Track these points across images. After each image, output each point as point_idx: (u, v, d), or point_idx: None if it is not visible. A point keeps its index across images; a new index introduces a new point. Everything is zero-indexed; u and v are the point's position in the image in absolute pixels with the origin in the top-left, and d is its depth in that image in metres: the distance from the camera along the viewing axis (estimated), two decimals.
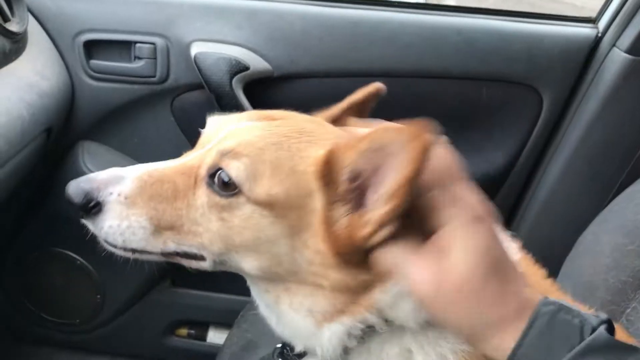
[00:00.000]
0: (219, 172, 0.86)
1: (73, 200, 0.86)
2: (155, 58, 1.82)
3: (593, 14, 1.84)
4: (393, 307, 0.85)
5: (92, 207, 0.86)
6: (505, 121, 1.87)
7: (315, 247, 0.84)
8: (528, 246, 1.92)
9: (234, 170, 0.84)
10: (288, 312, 0.90)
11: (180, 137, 1.96)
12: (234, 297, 2.10)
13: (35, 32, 1.76)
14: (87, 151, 1.94)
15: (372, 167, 0.79)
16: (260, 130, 0.88)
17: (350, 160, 0.81)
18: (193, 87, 1.87)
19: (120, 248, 0.88)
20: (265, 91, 1.85)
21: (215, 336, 2.19)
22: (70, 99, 1.85)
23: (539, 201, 1.91)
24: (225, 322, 2.03)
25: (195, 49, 1.78)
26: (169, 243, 0.88)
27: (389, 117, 1.85)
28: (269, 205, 0.84)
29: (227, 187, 0.85)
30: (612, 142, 1.80)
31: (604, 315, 0.77)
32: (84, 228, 2.07)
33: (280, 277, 0.89)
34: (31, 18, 1.74)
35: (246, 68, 1.78)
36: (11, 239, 2.09)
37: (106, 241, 0.89)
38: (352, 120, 1.06)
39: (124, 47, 1.84)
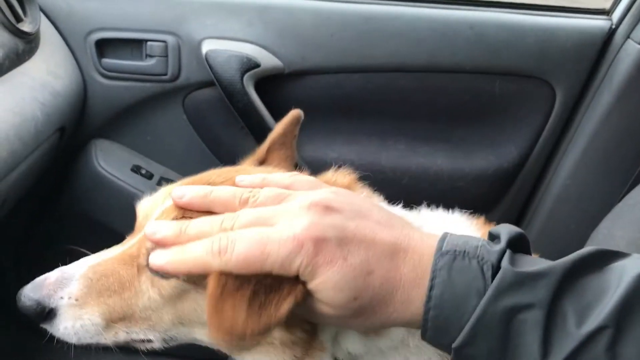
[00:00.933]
0: None
1: (28, 312, 0.89)
2: (166, 56, 1.83)
3: (607, 5, 1.82)
4: (339, 346, 0.89)
5: (47, 314, 0.90)
6: (517, 115, 1.86)
7: None
8: (541, 240, 1.92)
9: None
10: None
11: (192, 135, 1.96)
12: None
13: (47, 32, 1.77)
14: (100, 149, 1.95)
15: None
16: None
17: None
18: (205, 85, 1.87)
19: (76, 344, 0.91)
20: (276, 88, 1.86)
21: None
22: (82, 98, 1.86)
23: (552, 195, 1.89)
24: None
25: (207, 47, 1.79)
26: (120, 333, 0.91)
27: (403, 113, 1.85)
28: (200, 281, 0.86)
29: None
30: (626, 135, 1.79)
31: (503, 242, 0.75)
32: (96, 226, 2.08)
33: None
34: (43, 17, 1.75)
35: (257, 65, 1.78)
36: (27, 236, 2.10)
37: (63, 340, 0.92)
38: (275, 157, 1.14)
39: (135, 46, 1.85)
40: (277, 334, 0.86)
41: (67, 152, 1.93)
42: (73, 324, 0.89)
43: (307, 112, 1.91)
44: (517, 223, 1.97)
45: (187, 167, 2.01)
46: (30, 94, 1.55)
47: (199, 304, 0.88)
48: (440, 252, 0.74)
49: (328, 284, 0.73)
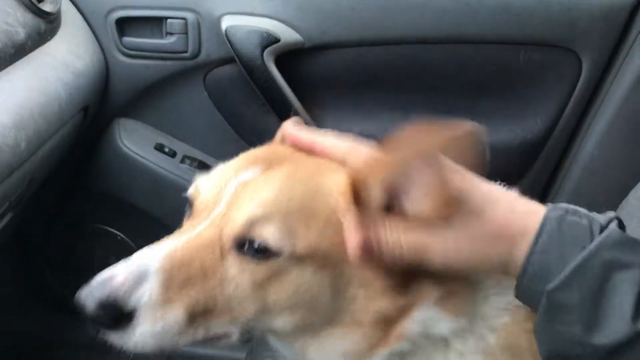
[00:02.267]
0: (250, 242, 0.80)
1: (98, 318, 0.75)
2: (186, 33, 1.82)
3: None
4: (422, 332, 0.86)
5: (122, 319, 0.75)
6: (543, 86, 1.83)
7: (359, 281, 0.83)
8: None
9: (269, 236, 0.79)
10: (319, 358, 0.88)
11: (214, 112, 1.96)
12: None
13: (68, 12, 1.77)
14: (124, 128, 1.96)
15: (397, 186, 0.80)
16: (270, 182, 0.84)
17: (375, 183, 0.80)
18: (225, 62, 1.86)
19: (151, 352, 0.79)
20: (296, 63, 1.84)
21: None
22: (105, 77, 1.87)
23: (579, 167, 1.86)
24: None
25: (226, 23, 1.78)
26: (199, 330, 0.81)
27: (426, 85, 1.83)
28: (310, 256, 0.81)
29: (262, 253, 0.80)
30: None
31: (612, 213, 0.79)
32: (121, 204, 2.10)
33: (312, 326, 0.86)
34: None
35: (277, 40, 1.77)
36: (54, 216, 2.14)
37: (137, 351, 0.79)
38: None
39: (155, 24, 1.84)
40: (381, 303, 0.83)
41: (91, 132, 1.95)
42: (153, 326, 0.77)
43: (328, 87, 1.91)
44: (543, 195, 1.94)
45: (210, 145, 2.04)
46: (53, 74, 1.56)
47: (309, 285, 0.82)
48: (552, 207, 0.79)
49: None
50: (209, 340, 0.83)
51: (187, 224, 0.88)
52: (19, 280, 2.29)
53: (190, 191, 0.92)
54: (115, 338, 0.77)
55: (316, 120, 1.88)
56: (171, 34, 1.83)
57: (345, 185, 0.83)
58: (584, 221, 0.76)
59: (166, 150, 1.98)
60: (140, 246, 2.27)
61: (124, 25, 1.85)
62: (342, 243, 0.81)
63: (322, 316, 0.85)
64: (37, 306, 2.33)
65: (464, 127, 0.80)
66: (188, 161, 1.99)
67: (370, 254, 0.79)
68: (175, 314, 0.77)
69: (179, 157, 1.98)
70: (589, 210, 0.84)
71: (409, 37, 1.79)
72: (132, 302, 0.75)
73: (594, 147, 1.81)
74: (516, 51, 1.78)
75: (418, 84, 1.86)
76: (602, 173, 1.85)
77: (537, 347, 0.80)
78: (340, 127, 1.87)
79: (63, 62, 1.62)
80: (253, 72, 1.79)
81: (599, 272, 0.73)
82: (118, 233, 2.11)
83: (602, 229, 0.76)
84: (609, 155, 1.80)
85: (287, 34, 1.78)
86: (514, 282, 0.80)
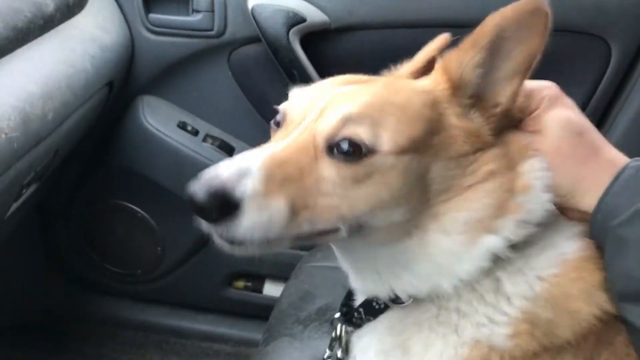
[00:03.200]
0: (341, 141, 0.82)
1: (207, 206, 0.77)
2: (212, 11, 1.82)
3: None
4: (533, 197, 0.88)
5: (230, 208, 0.78)
6: (571, 73, 1.80)
7: (461, 152, 0.87)
8: None
9: (365, 133, 0.82)
10: (437, 242, 0.87)
11: (237, 92, 1.97)
12: (289, 251, 2.12)
13: None
14: (147, 105, 1.97)
15: (491, 54, 0.88)
16: (366, 90, 0.87)
17: (467, 59, 0.89)
18: (250, 41, 1.86)
19: (256, 244, 0.81)
20: (322, 44, 1.83)
21: (272, 289, 2.23)
22: (130, 53, 1.88)
23: None
24: (281, 275, 2.06)
25: (253, 1, 1.77)
26: (304, 224, 0.83)
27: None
28: (411, 148, 0.83)
29: (356, 152, 0.82)
30: None
31: None
32: (143, 181, 2.11)
33: (427, 204, 0.87)
34: None
35: (303, 20, 1.76)
36: (76, 191, 2.16)
37: (240, 243, 0.81)
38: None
39: (181, 1, 1.85)
40: (493, 149, 0.88)
41: (115, 108, 1.96)
42: (260, 214, 0.79)
43: (352, 68, 1.88)
44: None
45: (232, 125, 2.04)
46: (80, 47, 1.57)
47: (413, 175, 0.84)
48: (635, 159, 0.87)
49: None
50: (317, 237, 0.86)
51: (279, 133, 0.90)
52: (39, 254, 2.32)
53: (284, 104, 0.95)
54: (224, 230, 0.79)
55: None
56: (197, 11, 1.83)
57: (437, 77, 0.91)
58: None
59: (189, 128, 1.98)
60: (159, 224, 2.28)
61: (150, 1, 1.85)
62: (440, 129, 0.87)
63: (435, 190, 0.87)
64: (56, 280, 2.36)
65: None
66: (210, 140, 2.00)
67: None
68: (278, 204, 0.80)
69: (201, 135, 1.99)
70: None
71: (434, 20, 1.78)
72: (238, 192, 0.77)
73: (621, 135, 1.78)
74: None
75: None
76: None
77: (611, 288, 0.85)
78: None
79: (90, 36, 1.63)
80: (278, 52, 1.78)
81: None
82: (138, 210, 2.13)
83: None
84: (636, 144, 1.78)
85: (314, 14, 1.77)
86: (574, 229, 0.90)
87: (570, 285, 0.86)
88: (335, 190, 0.83)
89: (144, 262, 2.24)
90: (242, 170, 0.79)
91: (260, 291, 2.25)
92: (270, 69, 1.86)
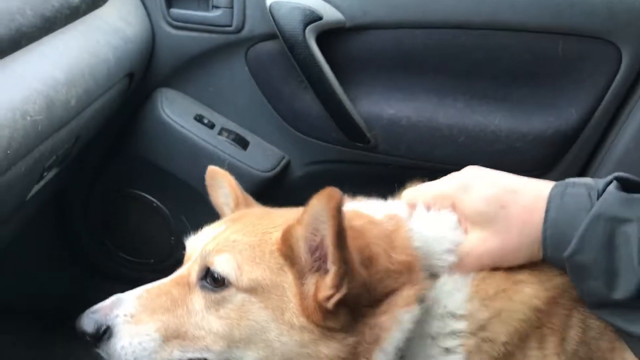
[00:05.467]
0: (209, 271, 0.95)
1: (86, 331, 0.95)
2: (232, 7, 1.87)
3: None
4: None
5: (103, 332, 0.94)
6: (580, 77, 1.83)
7: (300, 325, 0.91)
8: None
9: (219, 265, 0.95)
10: None
11: (254, 87, 2.01)
12: None
13: None
14: (166, 97, 2.02)
15: (319, 235, 0.90)
16: (230, 228, 1.01)
17: (299, 233, 0.91)
18: (267, 37, 1.91)
19: None
20: (337, 42, 1.87)
21: None
22: (151, 46, 1.93)
23: (612, 161, 1.86)
24: None
25: None
26: (175, 352, 0.95)
27: (463, 70, 1.85)
28: (253, 290, 0.93)
29: (218, 282, 0.94)
30: None
31: (611, 176, 0.88)
32: (159, 172, 2.16)
33: None
34: None
35: (319, 18, 1.80)
36: (94, 179, 2.21)
37: None
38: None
39: None
40: (327, 349, 0.90)
41: (135, 99, 2.01)
42: (130, 341, 0.94)
43: (366, 67, 1.94)
44: None
45: (247, 119, 2.09)
46: (104, 38, 1.63)
47: (256, 319, 0.93)
48: (555, 184, 0.90)
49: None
50: None
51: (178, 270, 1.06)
52: (55, 240, 2.38)
53: (186, 244, 1.12)
54: (104, 354, 0.96)
55: (353, 100, 1.91)
56: (217, 7, 1.88)
57: (278, 238, 0.95)
58: (582, 190, 0.87)
59: (205, 121, 2.03)
60: (173, 214, 2.32)
61: None
62: (279, 284, 0.93)
63: (281, 359, 0.93)
64: (71, 266, 2.42)
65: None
66: (225, 133, 2.04)
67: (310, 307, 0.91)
68: (149, 332, 0.94)
69: (217, 129, 2.04)
70: None
71: (449, 22, 1.81)
72: (110, 319, 0.94)
73: (629, 141, 1.81)
74: (555, 41, 1.79)
75: (455, 68, 1.88)
76: (636, 168, 1.84)
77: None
78: (376, 108, 1.92)
79: (113, 28, 1.69)
80: (294, 49, 1.83)
81: (604, 230, 0.83)
82: (153, 199, 2.18)
83: (599, 192, 0.86)
84: None
85: (330, 13, 1.81)
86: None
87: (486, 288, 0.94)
88: (202, 323, 0.95)
89: (157, 251, 2.29)
90: (120, 298, 0.96)
91: None
92: (286, 65, 1.91)
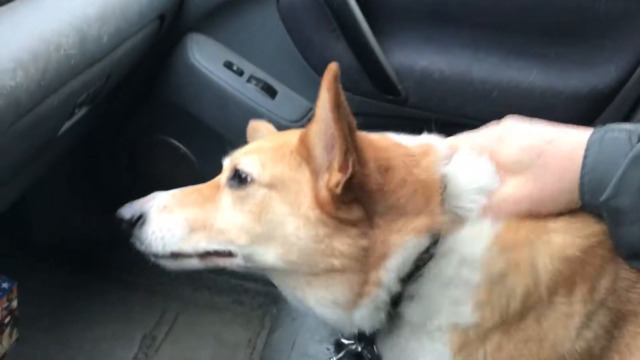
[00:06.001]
0: (236, 172, 1.00)
1: (123, 217, 1.03)
2: None
3: None
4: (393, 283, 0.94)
5: (137, 219, 1.02)
6: (621, 35, 1.77)
7: (315, 218, 0.94)
8: None
9: (245, 163, 1.00)
10: (317, 307, 0.98)
11: (284, 35, 1.99)
12: None
13: None
14: (196, 43, 2.01)
15: (330, 128, 0.92)
16: (258, 141, 1.12)
17: (314, 131, 0.95)
18: None
19: (162, 254, 1.02)
20: None
21: None
22: None
23: None
24: None
25: None
26: (201, 242, 1.00)
27: (498, 24, 1.80)
28: (274, 186, 0.97)
29: (243, 181, 0.99)
30: None
31: None
32: (187, 118, 2.17)
33: (299, 268, 0.97)
34: None
35: None
36: (122, 123, 2.23)
37: (150, 251, 1.03)
38: None
39: None
40: (339, 244, 0.92)
41: (165, 43, 2.00)
42: (161, 226, 1.01)
43: (401, 18, 1.90)
44: None
45: (277, 68, 2.07)
46: None
47: (275, 212, 0.96)
48: (594, 130, 0.88)
49: None
50: (216, 257, 1.02)
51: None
52: (86, 184, 2.41)
53: None
54: (137, 241, 1.03)
55: (385, 51, 1.88)
56: None
57: (297, 139, 1.00)
58: (623, 134, 0.85)
59: (234, 68, 2.02)
60: (200, 160, 2.34)
61: None
62: (296, 180, 0.97)
63: (299, 256, 0.95)
64: (101, 210, 2.45)
65: None
66: (254, 81, 2.03)
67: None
68: (178, 220, 1.01)
69: (246, 76, 2.03)
70: None
71: None
72: (145, 208, 1.03)
73: None
74: None
75: (490, 22, 1.84)
76: None
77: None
78: (408, 60, 1.89)
79: None
80: None
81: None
82: (180, 146, 2.19)
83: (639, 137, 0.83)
84: None
85: None
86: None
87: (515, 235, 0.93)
88: (227, 217, 1.00)
89: None
90: (154, 195, 1.05)
91: None
92: (318, 13, 1.88)
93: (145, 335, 2.26)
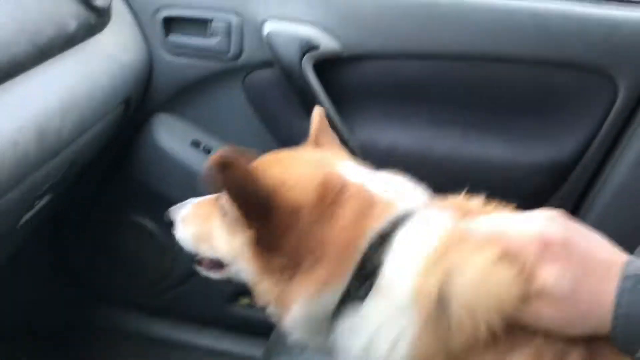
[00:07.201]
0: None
1: (168, 220, 1.24)
2: (229, 35, 1.88)
3: None
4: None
5: (173, 223, 1.22)
6: (577, 108, 1.82)
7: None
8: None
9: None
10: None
11: (251, 114, 2.02)
12: None
13: (118, 7, 1.85)
14: (163, 123, 2.03)
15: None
16: None
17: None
18: (265, 65, 1.91)
19: (188, 250, 1.20)
20: (334, 71, 1.88)
21: None
22: (148, 72, 1.94)
23: (609, 191, 1.85)
24: None
25: (268, 28, 1.83)
26: (207, 251, 1.14)
27: (459, 101, 1.84)
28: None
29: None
30: None
31: None
32: (155, 197, 2.17)
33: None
34: None
35: (316, 47, 1.81)
36: (89, 204, 2.21)
37: (179, 238, 1.22)
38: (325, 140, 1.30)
39: (200, 24, 1.91)
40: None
41: (132, 125, 2.01)
42: (181, 234, 1.20)
43: (363, 97, 1.94)
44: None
45: (245, 145, 2.03)
46: (100, 65, 1.63)
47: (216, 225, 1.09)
48: (623, 277, 0.81)
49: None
50: (220, 267, 1.13)
51: None
52: (49, 262, 2.38)
53: None
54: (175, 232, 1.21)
55: (349, 128, 1.91)
56: (215, 35, 1.89)
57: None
58: None
59: (202, 147, 2.03)
60: (169, 239, 2.30)
61: (171, 23, 1.92)
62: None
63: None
64: (69, 290, 2.41)
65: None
66: None
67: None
68: (187, 232, 1.19)
69: (213, 154, 2.03)
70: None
71: (446, 53, 1.81)
72: (174, 216, 1.22)
73: (626, 173, 1.80)
74: (552, 72, 1.79)
75: (452, 99, 1.88)
76: (632, 199, 1.84)
77: None
78: (370, 137, 1.92)
79: (109, 55, 1.69)
80: (291, 77, 1.83)
81: None
82: (149, 224, 2.18)
83: None
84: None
85: (327, 42, 1.82)
86: None
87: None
88: (216, 234, 1.10)
89: (152, 275, 2.28)
90: (185, 203, 1.22)
91: (265, 308, 2.27)
92: (283, 93, 1.92)
93: None
